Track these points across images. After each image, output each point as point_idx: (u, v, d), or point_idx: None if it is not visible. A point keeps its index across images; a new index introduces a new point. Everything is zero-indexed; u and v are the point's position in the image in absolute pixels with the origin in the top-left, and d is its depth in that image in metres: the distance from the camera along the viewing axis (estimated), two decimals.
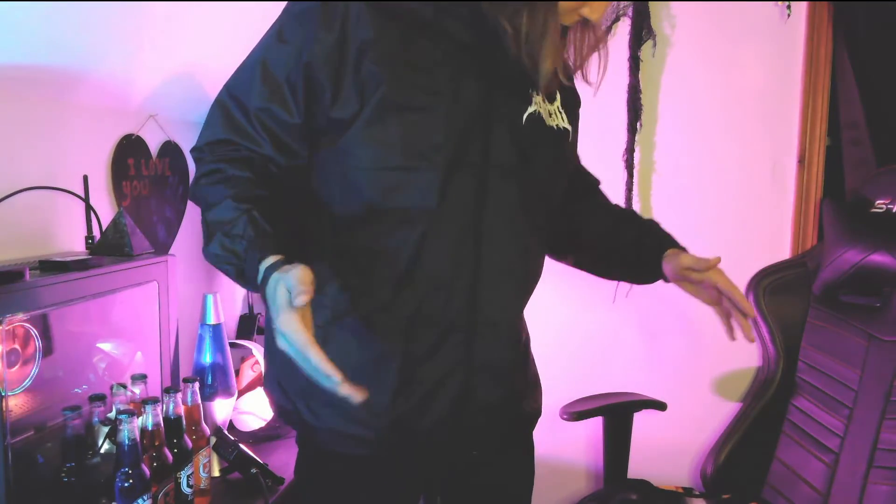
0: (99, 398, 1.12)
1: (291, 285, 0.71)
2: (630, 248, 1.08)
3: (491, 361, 0.93)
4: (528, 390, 1.05)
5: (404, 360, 0.89)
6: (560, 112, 0.98)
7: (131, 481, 1.02)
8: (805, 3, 1.80)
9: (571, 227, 1.11)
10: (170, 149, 1.76)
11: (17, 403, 1.08)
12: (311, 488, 1.00)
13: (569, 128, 0.98)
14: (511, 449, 1.07)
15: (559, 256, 1.14)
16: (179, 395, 1.19)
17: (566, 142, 0.99)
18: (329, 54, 0.83)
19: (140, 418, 1.08)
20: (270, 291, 0.73)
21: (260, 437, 1.68)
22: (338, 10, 0.83)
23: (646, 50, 1.84)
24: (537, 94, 0.93)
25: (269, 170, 0.88)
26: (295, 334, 0.69)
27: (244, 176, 0.85)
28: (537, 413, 1.08)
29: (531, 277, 0.99)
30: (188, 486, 1.20)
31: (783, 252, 1.87)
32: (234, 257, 0.81)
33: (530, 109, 0.91)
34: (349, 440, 0.93)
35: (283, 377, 0.98)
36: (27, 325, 1.10)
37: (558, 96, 0.98)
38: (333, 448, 0.94)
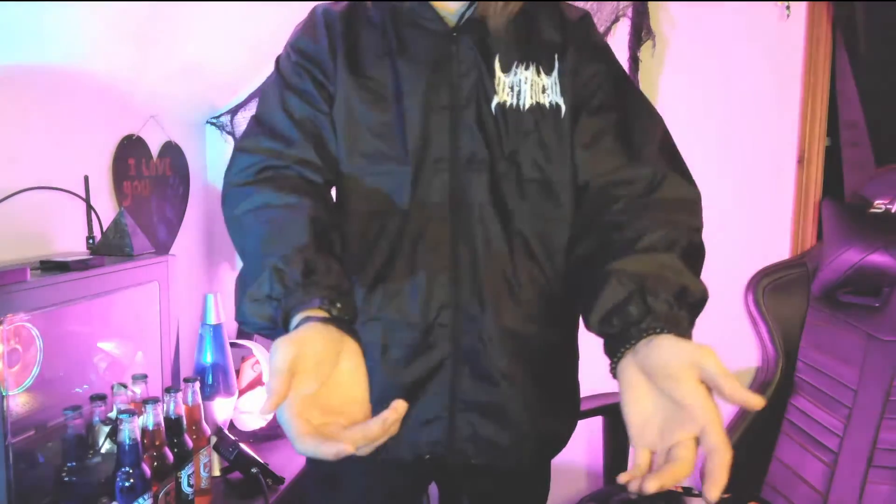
0: (100, 398, 1.12)
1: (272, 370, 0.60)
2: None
3: (479, 363, 0.88)
4: (548, 403, 0.93)
5: (386, 364, 0.88)
6: (556, 83, 0.89)
7: (132, 481, 1.03)
8: (804, 3, 1.80)
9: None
10: (170, 149, 1.76)
11: (17, 403, 1.09)
12: (316, 488, 1.01)
13: (559, 101, 0.88)
14: (523, 473, 1.00)
15: None
16: (180, 395, 1.19)
17: (558, 118, 0.88)
18: (314, 62, 0.88)
19: (141, 418, 1.08)
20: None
21: (260, 437, 1.68)
22: (321, 25, 0.89)
23: (645, 50, 1.84)
24: (526, 69, 0.88)
25: (305, 181, 0.86)
26: (285, 426, 0.59)
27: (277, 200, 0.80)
28: (557, 434, 0.96)
29: (529, 276, 0.89)
30: (189, 485, 1.20)
31: (782, 252, 1.87)
32: (270, 323, 0.70)
33: (498, 99, 0.87)
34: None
35: None
36: (28, 324, 1.10)
37: (556, 65, 0.89)
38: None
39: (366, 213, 0.88)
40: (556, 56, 0.90)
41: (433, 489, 1.12)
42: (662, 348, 0.64)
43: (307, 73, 0.88)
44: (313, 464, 1.01)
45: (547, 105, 0.88)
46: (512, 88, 0.88)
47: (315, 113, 0.87)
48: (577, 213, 0.89)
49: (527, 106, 0.87)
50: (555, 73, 0.90)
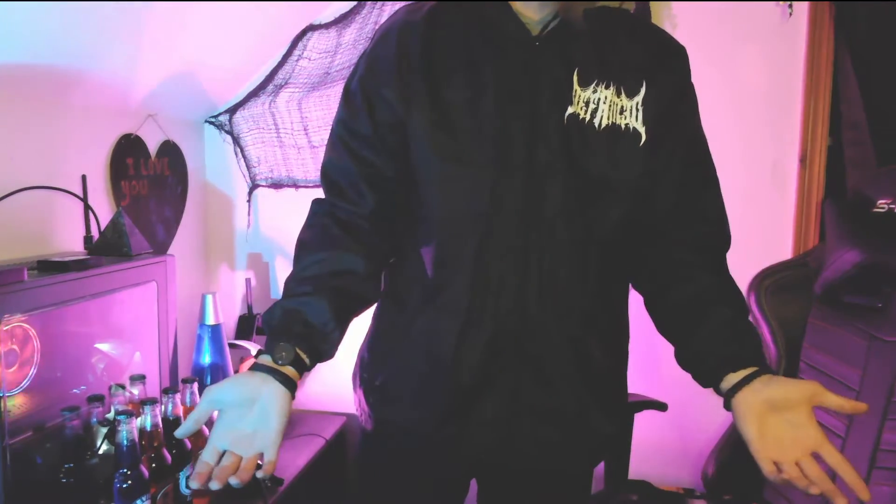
0: (97, 399, 1.12)
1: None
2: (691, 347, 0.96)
3: (544, 369, 0.91)
4: (602, 406, 0.96)
5: (458, 363, 0.90)
6: (638, 110, 0.90)
7: (130, 482, 1.02)
8: (806, 3, 1.79)
9: (650, 279, 0.97)
10: (168, 148, 1.76)
11: (15, 404, 1.08)
12: (368, 474, 1.05)
13: (640, 130, 0.89)
14: (570, 475, 1.01)
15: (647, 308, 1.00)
16: (178, 396, 1.18)
17: (635, 145, 0.89)
18: (388, 71, 0.89)
19: (139, 419, 1.08)
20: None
21: None
22: (393, 30, 0.89)
23: None
24: (606, 88, 0.88)
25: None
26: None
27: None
28: (610, 435, 0.98)
29: (590, 286, 0.91)
30: (187, 487, 1.19)
31: (784, 252, 1.86)
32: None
33: (571, 110, 0.87)
34: (400, 433, 0.96)
35: (357, 373, 1.02)
36: (26, 325, 1.10)
37: (643, 90, 0.90)
38: (386, 441, 0.98)
39: (444, 218, 0.89)
40: (643, 81, 0.90)
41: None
42: (781, 384, 0.86)
43: (375, 87, 0.89)
44: (369, 449, 1.03)
45: (622, 127, 0.89)
46: (587, 104, 0.88)
47: (394, 124, 0.89)
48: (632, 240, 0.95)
49: (602, 125, 0.88)
50: (638, 98, 0.90)
